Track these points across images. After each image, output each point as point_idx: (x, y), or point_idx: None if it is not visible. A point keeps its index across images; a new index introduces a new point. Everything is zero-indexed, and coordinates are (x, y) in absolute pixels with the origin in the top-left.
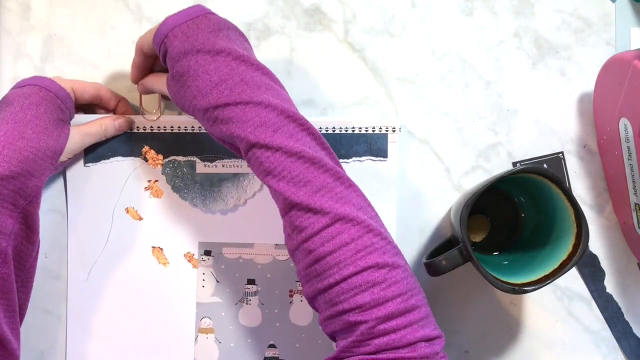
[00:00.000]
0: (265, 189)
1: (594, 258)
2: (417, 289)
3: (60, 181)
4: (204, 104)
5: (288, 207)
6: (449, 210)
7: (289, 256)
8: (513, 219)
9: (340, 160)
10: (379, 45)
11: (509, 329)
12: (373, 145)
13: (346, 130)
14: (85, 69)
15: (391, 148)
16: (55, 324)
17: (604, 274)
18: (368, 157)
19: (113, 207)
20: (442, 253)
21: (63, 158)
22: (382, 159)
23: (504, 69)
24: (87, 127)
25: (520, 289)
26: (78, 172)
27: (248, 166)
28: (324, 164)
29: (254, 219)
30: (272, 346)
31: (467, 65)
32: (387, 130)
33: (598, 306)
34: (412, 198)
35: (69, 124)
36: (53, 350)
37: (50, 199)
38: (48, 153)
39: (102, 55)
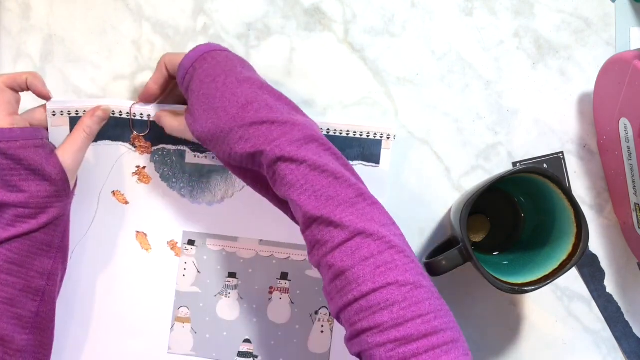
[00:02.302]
0: None
1: (594, 258)
2: (444, 312)
3: None
4: (229, 124)
5: (309, 221)
6: (449, 210)
7: (271, 253)
8: (513, 219)
9: None
10: (379, 45)
11: (509, 329)
12: (366, 150)
13: (340, 133)
14: (85, 69)
15: (384, 155)
16: None
17: (604, 274)
18: (360, 162)
19: (99, 189)
20: (442, 253)
21: (72, 182)
22: (374, 164)
23: (504, 69)
24: (72, 144)
25: (520, 289)
26: None
27: (270, 183)
28: (347, 179)
29: (241, 213)
30: (247, 341)
31: (467, 65)
32: (381, 137)
33: (598, 306)
34: (412, 198)
35: (51, 149)
36: None
37: None
38: (61, 193)
39: (102, 55)
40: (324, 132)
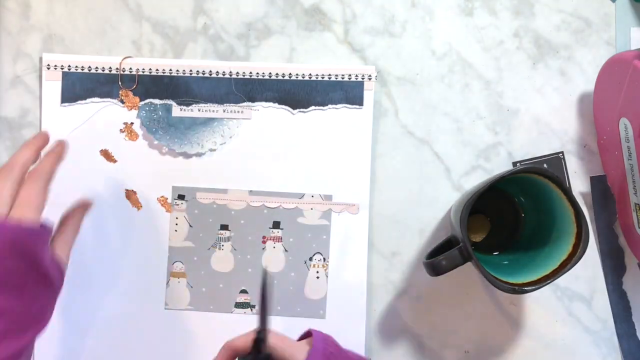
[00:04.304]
0: (241, 134)
1: (620, 252)
2: None
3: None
4: None
5: None
6: (449, 210)
7: (262, 202)
8: (513, 219)
9: (316, 108)
10: (379, 45)
11: (509, 329)
12: (349, 92)
13: (322, 78)
14: None
15: (367, 96)
16: None
17: (625, 269)
18: (344, 105)
19: (87, 148)
20: (442, 253)
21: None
22: (357, 106)
23: (504, 69)
24: (63, 237)
25: (520, 289)
26: (54, 112)
27: None
28: None
29: (229, 165)
30: (243, 291)
31: (467, 65)
32: (362, 78)
33: (609, 300)
34: (412, 198)
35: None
36: None
37: None
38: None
39: (102, 55)
40: (306, 78)
